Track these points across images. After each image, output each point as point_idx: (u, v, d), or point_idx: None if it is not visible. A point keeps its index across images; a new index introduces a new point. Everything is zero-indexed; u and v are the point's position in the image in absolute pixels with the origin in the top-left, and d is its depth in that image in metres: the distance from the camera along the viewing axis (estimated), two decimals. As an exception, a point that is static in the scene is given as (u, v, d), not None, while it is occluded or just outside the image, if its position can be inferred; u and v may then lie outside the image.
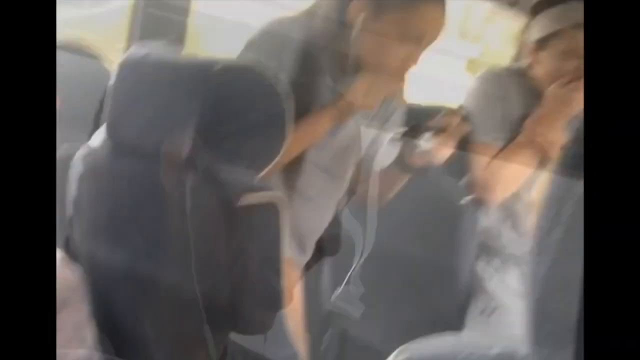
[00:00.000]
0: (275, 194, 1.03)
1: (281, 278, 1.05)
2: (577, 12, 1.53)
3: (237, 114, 1.02)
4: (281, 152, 1.08)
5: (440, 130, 1.27)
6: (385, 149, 1.44)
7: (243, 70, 1.05)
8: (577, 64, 1.52)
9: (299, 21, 1.36)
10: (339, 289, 1.51)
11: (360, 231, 1.47)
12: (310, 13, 1.37)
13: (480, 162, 1.59)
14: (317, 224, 1.49)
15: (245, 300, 1.03)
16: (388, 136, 1.39)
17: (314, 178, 1.41)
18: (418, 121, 1.31)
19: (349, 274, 1.52)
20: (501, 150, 1.59)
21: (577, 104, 1.52)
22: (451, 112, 1.32)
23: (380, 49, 1.30)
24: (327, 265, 1.75)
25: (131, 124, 1.09)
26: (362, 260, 1.46)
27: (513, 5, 2.03)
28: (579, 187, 0.37)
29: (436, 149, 1.27)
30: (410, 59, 1.30)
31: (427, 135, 1.27)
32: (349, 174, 1.47)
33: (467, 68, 3.66)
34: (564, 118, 1.53)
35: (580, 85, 1.52)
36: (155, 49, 1.13)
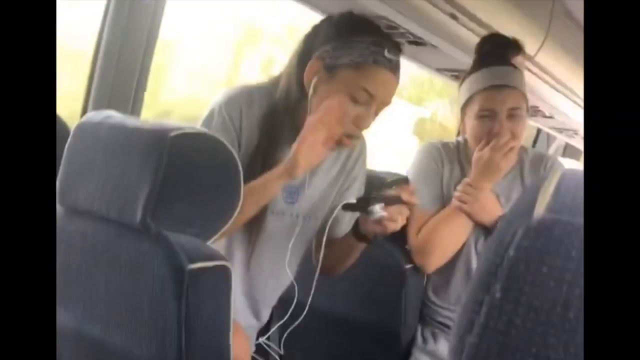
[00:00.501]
0: (225, 260, 1.05)
1: (230, 343, 1.06)
2: (485, 78, 1.62)
3: (190, 180, 1.04)
4: (232, 219, 1.10)
5: (392, 201, 1.31)
6: (341, 217, 1.47)
7: (198, 137, 1.07)
8: (491, 125, 1.60)
9: (263, 89, 1.40)
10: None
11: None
12: (274, 83, 1.41)
13: (415, 228, 1.63)
14: (273, 289, 1.50)
15: (193, 365, 1.03)
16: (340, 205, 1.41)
17: (272, 244, 1.43)
18: (369, 191, 1.34)
19: (269, 332, 1.52)
20: (433, 216, 1.63)
21: (499, 167, 1.57)
22: (402, 183, 1.36)
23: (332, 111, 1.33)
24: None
25: (82, 188, 1.10)
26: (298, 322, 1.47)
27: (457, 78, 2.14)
28: (494, 294, 0.39)
29: (390, 218, 1.31)
30: (361, 120, 1.34)
31: (378, 205, 1.30)
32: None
33: (414, 132, 3.75)
34: (489, 181, 1.59)
35: (501, 147, 1.58)
36: (113, 115, 1.15)
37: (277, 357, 1.66)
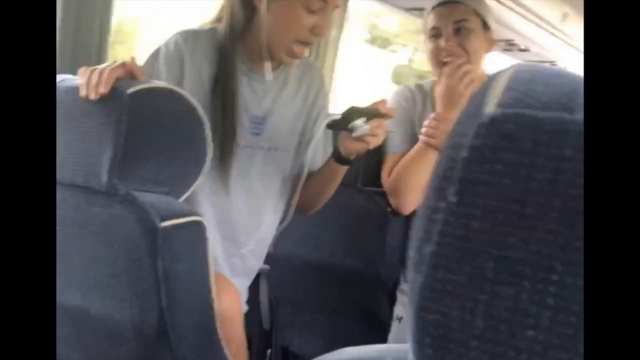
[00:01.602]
0: (198, 215, 1.03)
1: (212, 297, 1.04)
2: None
3: (153, 137, 1.01)
4: (201, 175, 1.08)
5: (372, 114, 1.29)
6: (317, 148, 1.45)
7: (157, 92, 1.04)
8: (440, 43, 1.58)
9: (206, 30, 1.37)
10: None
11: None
12: (217, 19, 1.38)
13: (388, 170, 1.61)
14: (256, 229, 1.48)
15: (176, 325, 1.01)
16: (320, 129, 1.40)
17: (245, 179, 1.41)
18: (349, 111, 1.33)
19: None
20: (403, 156, 1.62)
21: (459, 93, 1.55)
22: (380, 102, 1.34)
23: (288, 25, 1.32)
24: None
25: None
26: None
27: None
28: (449, 199, 0.37)
29: (372, 131, 1.29)
30: (319, 28, 1.33)
31: (360, 120, 1.29)
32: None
33: (393, 79, 3.72)
34: (452, 110, 1.56)
35: (456, 71, 1.56)
36: (68, 77, 1.11)
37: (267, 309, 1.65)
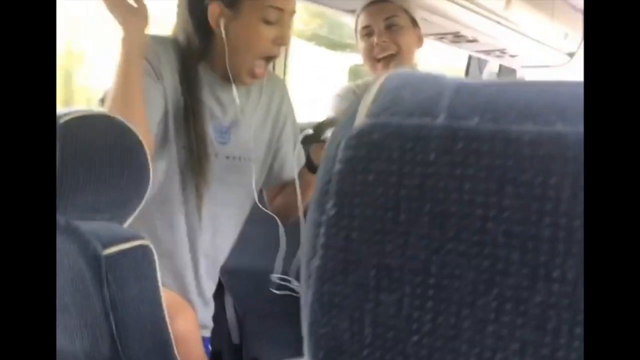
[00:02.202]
0: (144, 239, 1.02)
1: (166, 322, 1.03)
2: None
3: (90, 164, 1.00)
4: (145, 197, 1.07)
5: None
6: (287, 158, 1.46)
7: (94, 119, 1.03)
8: (372, 40, 1.62)
9: (170, 40, 1.37)
10: None
11: None
12: (175, 34, 1.39)
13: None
14: (224, 242, 1.48)
15: (130, 351, 1.01)
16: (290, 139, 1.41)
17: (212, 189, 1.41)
18: (319, 125, 1.34)
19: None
20: None
21: None
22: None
23: (250, 41, 1.32)
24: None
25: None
26: None
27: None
28: (328, 213, 0.38)
29: None
30: (281, 38, 1.35)
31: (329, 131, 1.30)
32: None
33: (350, 79, 3.74)
34: None
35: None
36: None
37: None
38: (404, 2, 1.66)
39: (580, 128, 0.33)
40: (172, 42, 1.38)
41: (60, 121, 0.98)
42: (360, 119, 0.37)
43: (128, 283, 0.98)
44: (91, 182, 1.00)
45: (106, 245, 0.97)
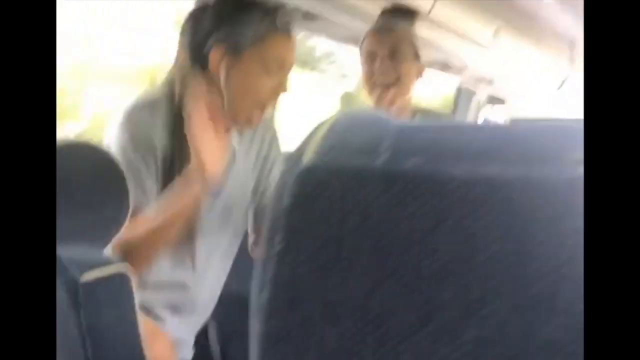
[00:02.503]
0: (121, 265, 1.03)
1: (141, 350, 1.04)
2: (371, 26, 1.70)
3: (70, 193, 1.01)
4: (125, 222, 1.08)
5: None
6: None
7: (73, 147, 1.05)
8: (374, 66, 1.64)
9: (159, 97, 1.37)
10: None
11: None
12: (167, 86, 1.38)
13: None
14: (216, 289, 1.49)
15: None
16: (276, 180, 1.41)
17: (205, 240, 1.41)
18: None
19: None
20: None
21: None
22: None
23: (249, 89, 1.33)
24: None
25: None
26: None
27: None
28: (276, 247, 0.39)
29: None
30: (280, 88, 1.36)
31: None
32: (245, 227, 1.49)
33: (342, 106, 3.76)
34: None
35: (390, 100, 1.62)
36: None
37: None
38: (410, 34, 1.69)
39: (512, 169, 0.34)
40: (163, 96, 1.36)
41: (42, 148, 0.99)
42: (308, 157, 0.39)
43: (105, 310, 0.99)
44: (72, 208, 1.01)
45: (84, 271, 0.97)
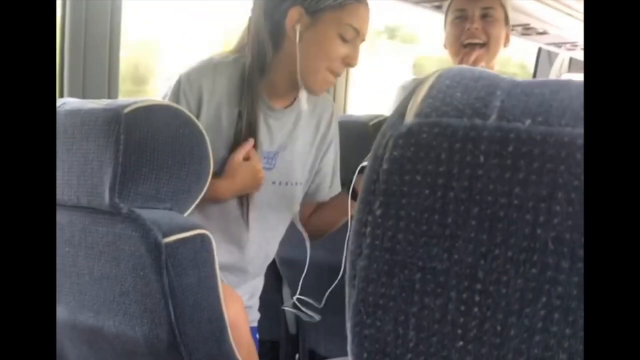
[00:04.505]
0: (203, 228, 1.03)
1: (222, 310, 1.05)
2: None
3: (153, 154, 1.02)
4: (206, 187, 1.08)
5: None
6: (325, 180, 1.47)
7: (154, 109, 1.05)
8: (464, 25, 1.60)
9: (228, 61, 1.37)
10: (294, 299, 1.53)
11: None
12: (239, 48, 1.38)
13: None
14: (263, 261, 1.50)
15: (187, 337, 1.02)
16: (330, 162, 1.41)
17: (258, 213, 1.42)
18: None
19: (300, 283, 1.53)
20: None
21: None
22: None
23: (322, 53, 1.32)
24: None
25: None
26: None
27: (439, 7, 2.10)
28: (375, 212, 0.37)
29: None
30: (351, 58, 1.34)
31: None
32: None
33: (414, 71, 3.69)
34: None
35: (474, 63, 1.57)
36: (69, 100, 1.13)
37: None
38: None
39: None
40: (232, 66, 1.36)
41: (125, 111, 1.00)
42: (410, 118, 0.37)
43: (187, 271, 1.00)
44: (154, 171, 1.02)
45: (166, 233, 0.99)
